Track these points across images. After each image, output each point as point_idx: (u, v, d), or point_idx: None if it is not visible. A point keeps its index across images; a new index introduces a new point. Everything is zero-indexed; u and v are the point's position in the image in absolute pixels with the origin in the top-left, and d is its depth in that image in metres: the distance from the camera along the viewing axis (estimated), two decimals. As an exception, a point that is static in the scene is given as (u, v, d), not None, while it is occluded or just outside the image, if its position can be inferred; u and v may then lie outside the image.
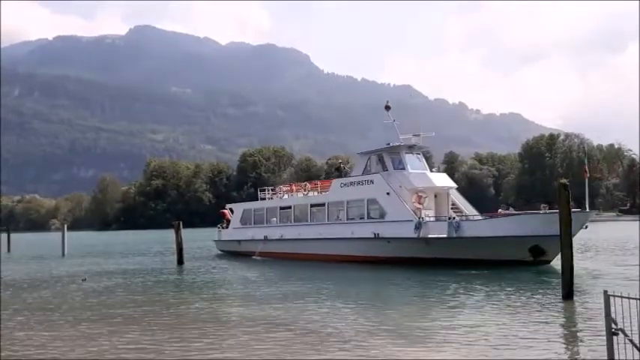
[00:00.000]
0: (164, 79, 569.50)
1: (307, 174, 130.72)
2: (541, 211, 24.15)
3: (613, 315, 7.15)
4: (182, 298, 17.66)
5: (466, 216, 26.85)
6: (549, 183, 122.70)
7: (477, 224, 24.82)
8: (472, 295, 16.12)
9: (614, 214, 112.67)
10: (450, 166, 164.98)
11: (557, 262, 23.10)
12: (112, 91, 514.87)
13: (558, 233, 20.94)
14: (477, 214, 27.71)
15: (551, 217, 21.76)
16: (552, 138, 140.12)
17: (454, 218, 25.64)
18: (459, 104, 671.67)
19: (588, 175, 23.89)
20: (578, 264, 19.87)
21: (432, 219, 25.83)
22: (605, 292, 7.31)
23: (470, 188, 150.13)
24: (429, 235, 24.61)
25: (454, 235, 23.91)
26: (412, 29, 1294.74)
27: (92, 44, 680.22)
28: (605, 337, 7.31)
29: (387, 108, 30.77)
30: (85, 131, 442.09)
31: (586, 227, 22.59)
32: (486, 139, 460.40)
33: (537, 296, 15.32)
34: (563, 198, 14.62)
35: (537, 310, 13.23)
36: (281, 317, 13.15)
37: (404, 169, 27.58)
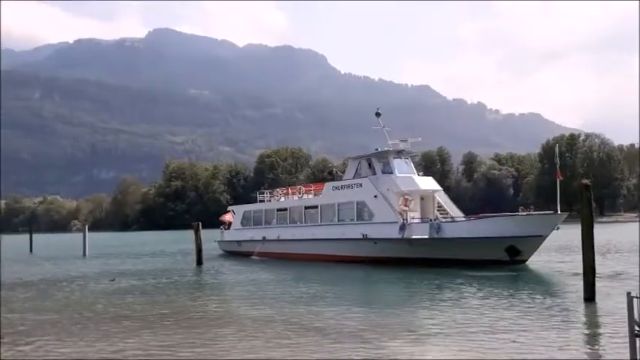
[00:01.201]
0: (183, 81, 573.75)
1: (324, 175, 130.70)
2: (523, 213, 24.90)
3: (636, 317, 7.06)
4: (202, 298, 17.78)
5: (452, 218, 27.64)
6: (570, 183, 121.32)
7: (456, 225, 25.90)
8: (492, 297, 15.98)
9: (635, 214, 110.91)
10: (469, 167, 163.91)
11: (532, 262, 24.57)
12: (132, 94, 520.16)
13: (533, 234, 23.22)
14: (462, 215, 28.55)
15: (526, 218, 23.86)
16: (573, 138, 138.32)
17: (436, 220, 26.56)
18: (478, 104, 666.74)
19: (561, 177, 24.85)
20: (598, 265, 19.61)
21: (416, 221, 26.72)
22: (629, 293, 7.22)
23: (489, 189, 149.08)
24: (413, 236, 25.68)
25: (435, 236, 25.02)
26: (429, 30, 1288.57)
27: (112, 47, 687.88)
28: (627, 339, 7.23)
29: (378, 115, 32.16)
30: (105, 133, 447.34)
31: (558, 229, 23.61)
32: (505, 140, 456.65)
33: (558, 299, 15.14)
34: (585, 199, 14.44)
35: (559, 313, 13.08)
36: (301, 318, 13.17)
37: (391, 173, 28.72)
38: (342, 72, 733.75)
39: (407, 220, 26.29)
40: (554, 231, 23.46)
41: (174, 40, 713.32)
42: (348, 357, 9.61)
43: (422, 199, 28.75)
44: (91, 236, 44.83)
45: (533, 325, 11.75)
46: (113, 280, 23.19)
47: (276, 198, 38.41)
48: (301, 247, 32.06)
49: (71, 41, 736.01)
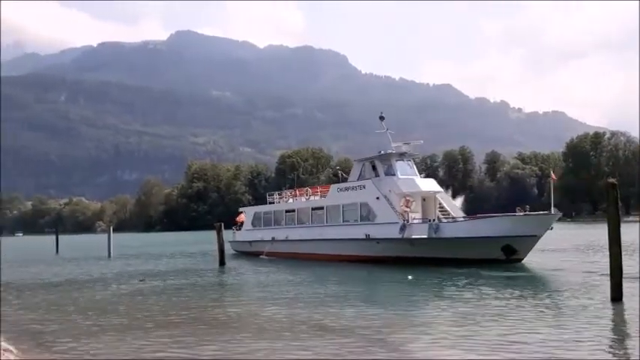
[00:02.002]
0: (204, 82, 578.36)
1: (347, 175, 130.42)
2: (520, 213, 25.30)
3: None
4: (227, 299, 17.91)
5: (453, 218, 28.22)
6: (594, 182, 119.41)
7: (454, 225, 26.56)
8: (516, 299, 15.78)
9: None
10: (492, 166, 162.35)
11: (528, 260, 24.99)
12: (155, 96, 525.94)
13: (528, 234, 24.09)
14: (463, 216, 29.08)
15: (522, 219, 24.51)
16: (597, 136, 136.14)
17: (434, 220, 27.29)
18: (501, 103, 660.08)
19: (555, 179, 25.72)
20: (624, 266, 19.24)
21: (417, 221, 27.42)
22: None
23: (512, 188, 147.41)
24: (413, 236, 26.50)
25: (433, 236, 25.82)
26: (451, 28, 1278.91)
27: (135, 50, 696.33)
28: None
29: (381, 118, 32.83)
30: (128, 135, 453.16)
31: (551, 228, 24.55)
32: (529, 138, 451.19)
33: (584, 299, 14.89)
34: (611, 198, 14.19)
35: (588, 313, 12.86)
36: (323, 318, 13.18)
37: (394, 175, 29.47)
38: (363, 72, 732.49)
39: (408, 220, 27.06)
40: (548, 230, 24.40)
41: (196, 42, 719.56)
42: (372, 358, 9.58)
43: (424, 200, 29.46)
44: (115, 237, 45.37)
45: (563, 326, 11.59)
46: (143, 281, 23.51)
47: (285, 199, 39.42)
48: (308, 247, 32.90)
49: (95, 44, 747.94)
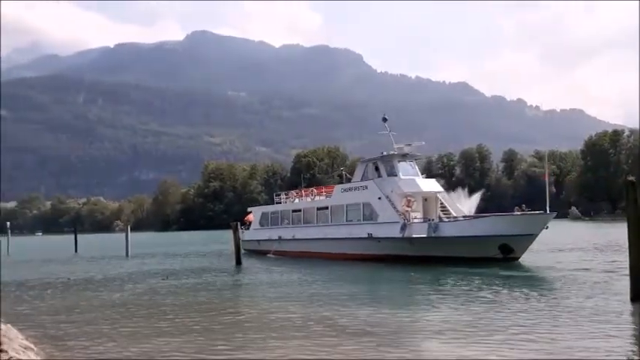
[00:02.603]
0: (221, 83, 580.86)
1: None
2: (516, 213, 26.24)
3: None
4: (243, 298, 18.01)
5: (454, 218, 28.65)
6: (613, 180, 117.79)
7: (452, 225, 27.15)
8: (535, 299, 15.65)
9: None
10: (509, 164, 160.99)
11: (524, 259, 25.63)
12: (172, 96, 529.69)
13: (525, 233, 24.70)
14: (463, 215, 29.33)
15: (518, 218, 25.37)
16: (616, 134, 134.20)
17: (432, 220, 27.78)
18: (518, 101, 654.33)
19: (547, 179, 26.44)
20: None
21: (417, 221, 28.07)
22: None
23: (529, 187, 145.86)
24: (413, 235, 27.19)
25: (432, 235, 26.47)
26: (466, 26, 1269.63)
27: (152, 51, 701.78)
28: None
29: (384, 120, 33.88)
30: (146, 135, 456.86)
31: (547, 228, 25.07)
32: (546, 136, 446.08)
33: (603, 299, 14.72)
34: (630, 196, 14.00)
35: (608, 313, 12.71)
36: (337, 318, 13.20)
37: (396, 175, 30.19)
38: (379, 71, 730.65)
39: (408, 220, 27.70)
40: (544, 230, 25.00)
41: (212, 42, 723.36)
42: (390, 358, 9.58)
43: (425, 200, 30.04)
44: (133, 236, 45.75)
45: (581, 326, 11.48)
46: (166, 279, 23.75)
47: (291, 200, 40.26)
48: (314, 246, 33.72)
49: (112, 45, 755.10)
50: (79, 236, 56.56)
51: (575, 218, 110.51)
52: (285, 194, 42.59)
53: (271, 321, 13.16)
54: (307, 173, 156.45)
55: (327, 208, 33.99)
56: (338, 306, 14.93)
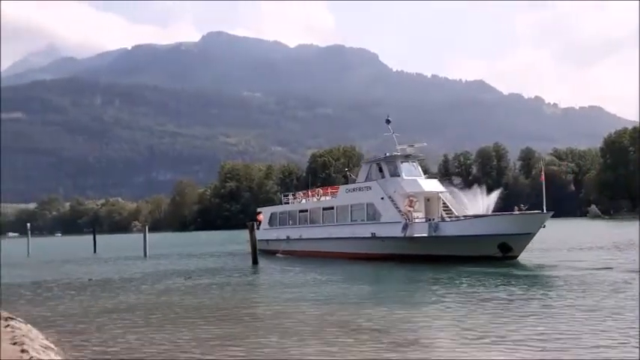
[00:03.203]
0: (236, 83, 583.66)
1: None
2: (515, 212, 26.51)
3: None
4: (261, 298, 18.04)
5: (457, 217, 29.02)
6: (633, 178, 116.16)
7: (453, 224, 27.70)
8: (555, 299, 15.47)
9: None
10: (527, 163, 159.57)
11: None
12: (188, 97, 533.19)
13: (523, 232, 25.36)
14: (464, 215, 29.63)
15: (517, 217, 25.80)
16: (636, 131, 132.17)
17: (433, 219, 28.31)
18: (535, 98, 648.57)
19: (544, 179, 27.53)
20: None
21: (419, 220, 28.54)
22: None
23: (548, 185, 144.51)
24: (414, 235, 27.77)
25: (433, 234, 27.08)
26: (483, 23, 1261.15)
27: (168, 52, 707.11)
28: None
29: (388, 121, 34.23)
30: (162, 136, 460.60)
31: (544, 226, 25.63)
32: (565, 134, 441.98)
33: (621, 298, 14.49)
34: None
35: (627, 313, 12.52)
36: (355, 318, 13.17)
37: (399, 176, 30.76)
38: (394, 70, 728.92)
39: (410, 219, 28.28)
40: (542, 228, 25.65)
41: (227, 42, 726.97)
42: (406, 358, 9.53)
43: (428, 200, 30.57)
44: (150, 237, 46.01)
45: (599, 326, 11.32)
46: (189, 278, 23.95)
47: (298, 200, 41.10)
48: (320, 246, 34.46)
49: (129, 47, 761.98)
50: (97, 237, 57.19)
51: (595, 216, 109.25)
52: (293, 195, 43.54)
53: (289, 321, 13.15)
54: (323, 173, 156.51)
55: (332, 208, 34.68)
56: (356, 306, 14.89)
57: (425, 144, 35.52)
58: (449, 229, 27.09)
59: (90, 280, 25.14)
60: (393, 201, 29.55)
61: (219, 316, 14.17)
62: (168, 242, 71.84)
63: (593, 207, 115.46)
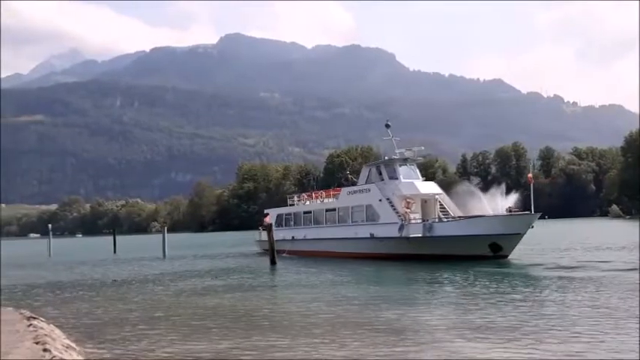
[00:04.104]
0: (254, 84, 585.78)
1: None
2: (503, 214, 27.24)
3: None
4: (280, 298, 18.10)
5: (452, 218, 30.21)
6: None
7: (446, 225, 28.94)
8: (575, 300, 15.29)
9: None
10: (547, 162, 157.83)
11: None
12: (206, 99, 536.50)
13: (512, 232, 26.37)
14: (459, 216, 30.74)
15: (506, 218, 26.63)
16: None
17: (428, 220, 29.55)
18: (555, 97, 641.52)
19: (532, 181, 27.76)
20: None
21: (416, 221, 29.64)
22: None
23: (568, 185, 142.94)
24: (410, 235, 28.91)
25: (427, 235, 28.33)
26: (501, 22, 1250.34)
27: (186, 54, 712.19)
28: None
29: (387, 126, 35.85)
30: (181, 138, 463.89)
31: (532, 227, 26.74)
32: (585, 133, 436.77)
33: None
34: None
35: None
36: (372, 318, 13.16)
37: (397, 179, 31.94)
38: (411, 69, 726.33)
39: (406, 220, 29.43)
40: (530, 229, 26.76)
41: (245, 44, 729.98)
42: (427, 358, 9.51)
43: (425, 202, 31.66)
44: (169, 237, 46.44)
45: (621, 328, 11.19)
46: (215, 278, 24.30)
47: (303, 202, 42.77)
48: (323, 246, 35.68)
49: (148, 50, 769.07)
50: (117, 238, 57.76)
51: (616, 216, 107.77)
52: (298, 197, 45.05)
53: (307, 321, 13.18)
54: (340, 173, 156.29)
55: (334, 209, 36.13)
56: (374, 306, 14.91)
57: (422, 148, 36.69)
58: (442, 230, 28.25)
59: (114, 281, 25.30)
60: (390, 203, 30.75)
61: (239, 317, 14.24)
62: (187, 243, 72.32)
63: (614, 207, 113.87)
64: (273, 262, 30.38)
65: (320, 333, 11.75)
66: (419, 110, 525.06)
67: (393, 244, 30.04)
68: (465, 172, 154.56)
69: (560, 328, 11.41)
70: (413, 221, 29.48)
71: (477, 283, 19.40)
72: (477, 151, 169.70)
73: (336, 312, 14.34)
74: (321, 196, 40.09)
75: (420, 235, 28.54)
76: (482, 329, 11.49)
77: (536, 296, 15.87)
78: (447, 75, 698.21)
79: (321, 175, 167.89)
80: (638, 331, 10.77)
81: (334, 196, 38.18)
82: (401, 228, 29.37)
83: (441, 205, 31.51)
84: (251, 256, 40.60)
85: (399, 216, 29.88)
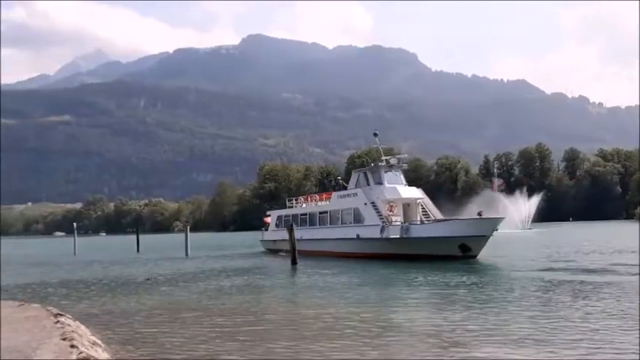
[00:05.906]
0: (275, 85, 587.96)
1: (415, 174, 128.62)
2: (472, 217, 30.23)
3: None
4: (300, 299, 18.18)
5: (436, 220, 32.62)
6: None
7: (420, 227, 31.54)
8: (583, 302, 15.11)
9: None
10: (571, 164, 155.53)
11: (481, 257, 29.08)
12: (228, 99, 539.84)
13: (479, 234, 28.79)
14: (436, 218, 33.35)
15: (474, 221, 29.27)
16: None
17: (405, 223, 31.98)
18: (580, 98, 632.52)
19: (496, 189, 28.51)
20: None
21: (396, 224, 32.04)
22: None
23: (593, 187, 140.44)
24: (390, 236, 31.45)
25: (404, 236, 30.67)
26: (525, 22, 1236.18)
27: (208, 55, 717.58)
28: None
29: (375, 135, 39.56)
30: (203, 138, 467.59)
31: (497, 230, 29.11)
32: (611, 134, 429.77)
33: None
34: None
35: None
36: (388, 318, 13.16)
37: (382, 184, 34.54)
38: (433, 70, 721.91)
39: (388, 223, 32.03)
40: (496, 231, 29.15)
41: (266, 45, 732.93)
42: (448, 358, 9.51)
43: (408, 205, 34.30)
44: (192, 236, 46.84)
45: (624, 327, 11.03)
46: (243, 277, 24.62)
47: (300, 204, 45.77)
48: (317, 246, 37.89)
49: (171, 51, 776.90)
50: (140, 236, 58.40)
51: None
52: (296, 199, 48.24)
53: (329, 322, 13.23)
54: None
55: (326, 212, 38.98)
56: (395, 307, 14.92)
57: (406, 155, 40.65)
58: (417, 232, 30.76)
59: (147, 279, 25.13)
60: (375, 206, 33.36)
61: (264, 317, 14.33)
62: (209, 242, 72.87)
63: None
64: (294, 262, 30.48)
65: (326, 333, 11.78)
66: (441, 111, 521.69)
67: (376, 245, 32.58)
68: (487, 173, 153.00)
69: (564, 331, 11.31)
70: (394, 223, 31.99)
71: (499, 288, 19.19)
72: (500, 152, 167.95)
73: (364, 313, 14.36)
74: (317, 199, 43.40)
75: (398, 237, 30.87)
76: (486, 333, 11.42)
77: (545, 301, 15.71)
78: (469, 75, 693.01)
79: (343, 175, 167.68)
80: (638, 331, 10.65)
81: (327, 199, 40.90)
82: (382, 230, 31.92)
83: (423, 208, 34.12)
84: (270, 255, 40.95)
85: (382, 218, 32.48)
